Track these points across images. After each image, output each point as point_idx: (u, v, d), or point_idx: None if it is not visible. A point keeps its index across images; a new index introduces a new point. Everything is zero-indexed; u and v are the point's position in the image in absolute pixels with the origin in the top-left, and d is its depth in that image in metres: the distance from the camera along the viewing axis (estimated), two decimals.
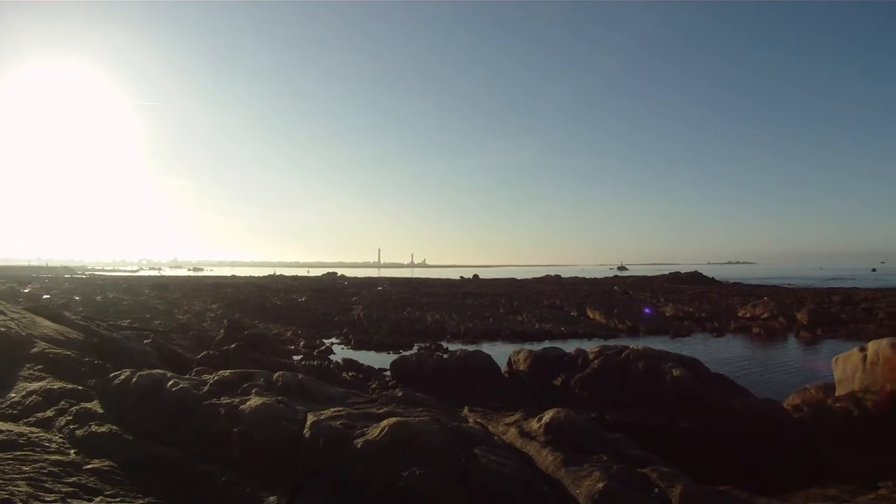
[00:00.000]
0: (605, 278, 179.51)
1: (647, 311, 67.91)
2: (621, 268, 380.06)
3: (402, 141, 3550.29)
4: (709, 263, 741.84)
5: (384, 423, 11.24)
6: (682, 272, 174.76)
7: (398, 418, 11.56)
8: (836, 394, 20.27)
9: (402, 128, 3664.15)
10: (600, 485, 9.75)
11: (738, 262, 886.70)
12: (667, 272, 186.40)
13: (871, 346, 19.72)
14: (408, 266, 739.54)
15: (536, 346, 26.08)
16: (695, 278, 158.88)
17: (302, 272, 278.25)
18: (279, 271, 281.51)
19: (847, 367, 20.24)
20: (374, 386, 25.70)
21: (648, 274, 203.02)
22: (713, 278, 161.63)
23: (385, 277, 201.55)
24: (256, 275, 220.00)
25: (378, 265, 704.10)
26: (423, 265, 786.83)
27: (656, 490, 10.00)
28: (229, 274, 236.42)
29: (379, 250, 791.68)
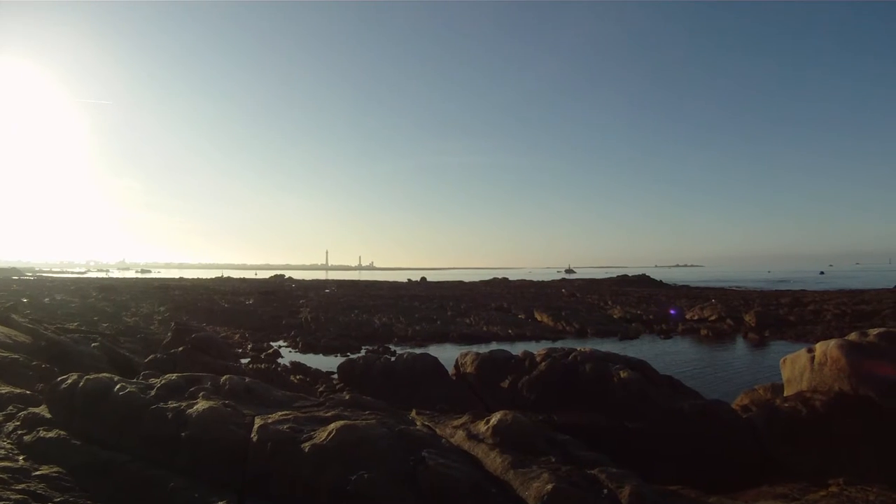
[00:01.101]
0: (553, 281, 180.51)
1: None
2: (569, 270, 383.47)
3: (349, 141, 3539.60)
4: (656, 266, 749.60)
5: (331, 426, 11.33)
6: (630, 275, 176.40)
7: (345, 422, 11.64)
8: (785, 394, 20.49)
9: (349, 128, 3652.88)
10: (549, 486, 9.84)
11: (685, 265, 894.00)
12: (615, 275, 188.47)
13: (819, 347, 19.98)
14: (356, 268, 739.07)
15: (484, 349, 26.13)
16: (642, 281, 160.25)
17: (249, 274, 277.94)
18: (227, 273, 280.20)
19: (795, 367, 20.48)
20: (321, 389, 25.64)
21: (596, 277, 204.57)
22: (661, 281, 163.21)
23: (333, 280, 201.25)
24: (204, 277, 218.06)
25: (326, 267, 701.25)
26: (371, 268, 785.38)
27: (605, 491, 10.12)
28: (177, 276, 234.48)
29: (327, 252, 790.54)
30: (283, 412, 12.80)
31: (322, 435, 11.04)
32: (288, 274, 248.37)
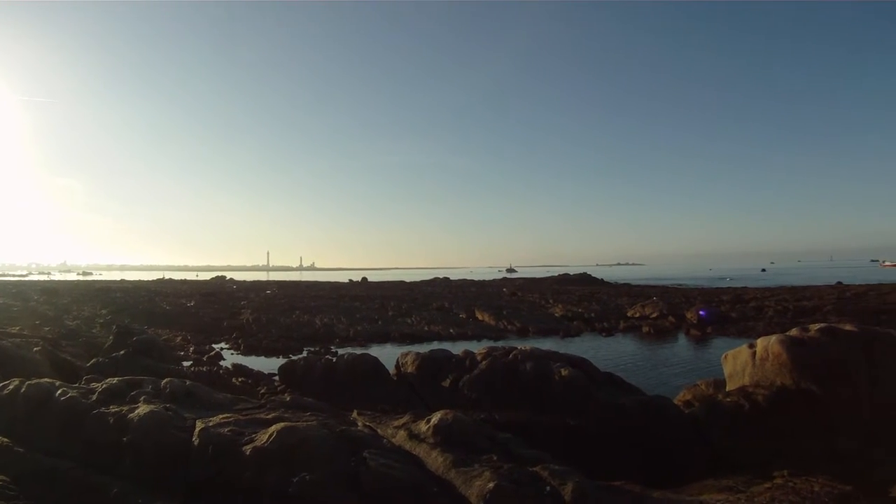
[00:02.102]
0: (494, 280, 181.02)
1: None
2: (510, 270, 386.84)
3: (288, 141, 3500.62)
4: (597, 265, 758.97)
5: (272, 428, 11.46)
6: (571, 273, 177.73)
7: (286, 423, 11.78)
8: (727, 389, 20.86)
9: (288, 127, 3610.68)
10: (491, 484, 9.99)
11: (627, 264, 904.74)
12: (556, 274, 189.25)
13: (761, 342, 20.37)
14: (297, 269, 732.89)
15: (425, 349, 26.14)
16: (584, 279, 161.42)
17: (191, 276, 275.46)
18: (168, 275, 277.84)
19: (737, 363, 20.84)
20: (262, 391, 25.48)
21: (537, 276, 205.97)
22: (602, 279, 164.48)
23: (274, 281, 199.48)
24: (146, 279, 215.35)
25: (267, 268, 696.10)
26: (312, 268, 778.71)
27: (548, 488, 10.26)
28: (118, 278, 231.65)
29: (268, 253, 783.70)
30: (224, 415, 12.87)
31: (263, 437, 11.14)
32: (229, 275, 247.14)
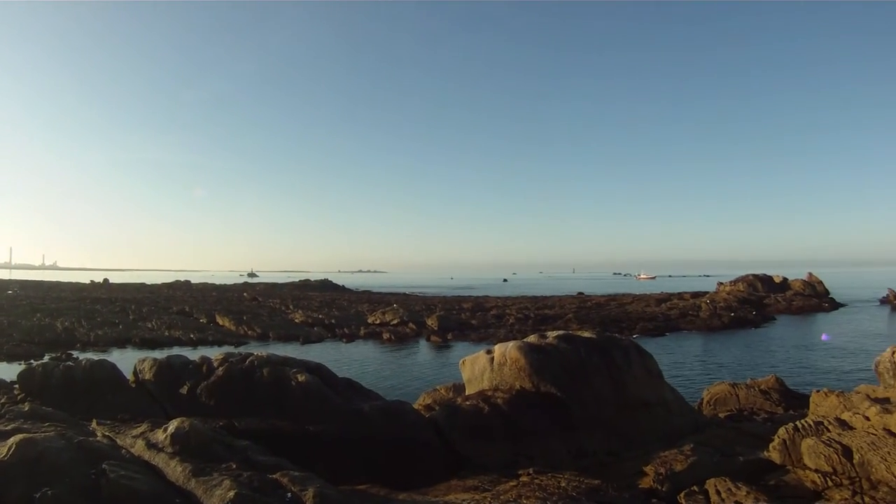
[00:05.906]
0: (235, 285, 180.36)
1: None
2: (251, 274, 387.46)
3: (33, 132, 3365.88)
4: (340, 272, 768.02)
5: (11, 440, 11.37)
6: (313, 280, 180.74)
7: (24, 435, 11.71)
8: (467, 393, 21.62)
9: (24, 114, 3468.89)
10: (231, 493, 10.40)
11: (368, 271, 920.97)
12: (297, 279, 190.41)
13: (498, 348, 21.42)
14: (39, 268, 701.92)
15: (166, 354, 25.89)
16: (325, 286, 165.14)
17: None
18: None
19: (475, 368, 21.71)
20: (3, 401, 24.61)
21: (279, 281, 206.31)
22: (343, 286, 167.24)
23: (17, 280, 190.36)
24: None
25: (9, 266, 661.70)
26: (55, 267, 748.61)
27: (289, 494, 10.77)
28: None
29: (10, 249, 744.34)
30: None
31: (3, 450, 10.97)
32: None
